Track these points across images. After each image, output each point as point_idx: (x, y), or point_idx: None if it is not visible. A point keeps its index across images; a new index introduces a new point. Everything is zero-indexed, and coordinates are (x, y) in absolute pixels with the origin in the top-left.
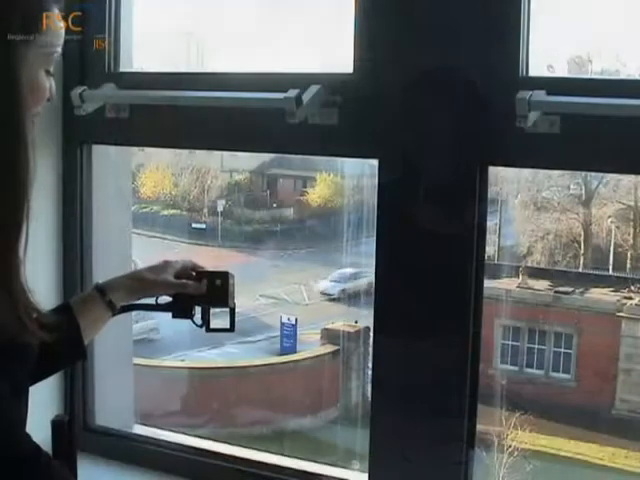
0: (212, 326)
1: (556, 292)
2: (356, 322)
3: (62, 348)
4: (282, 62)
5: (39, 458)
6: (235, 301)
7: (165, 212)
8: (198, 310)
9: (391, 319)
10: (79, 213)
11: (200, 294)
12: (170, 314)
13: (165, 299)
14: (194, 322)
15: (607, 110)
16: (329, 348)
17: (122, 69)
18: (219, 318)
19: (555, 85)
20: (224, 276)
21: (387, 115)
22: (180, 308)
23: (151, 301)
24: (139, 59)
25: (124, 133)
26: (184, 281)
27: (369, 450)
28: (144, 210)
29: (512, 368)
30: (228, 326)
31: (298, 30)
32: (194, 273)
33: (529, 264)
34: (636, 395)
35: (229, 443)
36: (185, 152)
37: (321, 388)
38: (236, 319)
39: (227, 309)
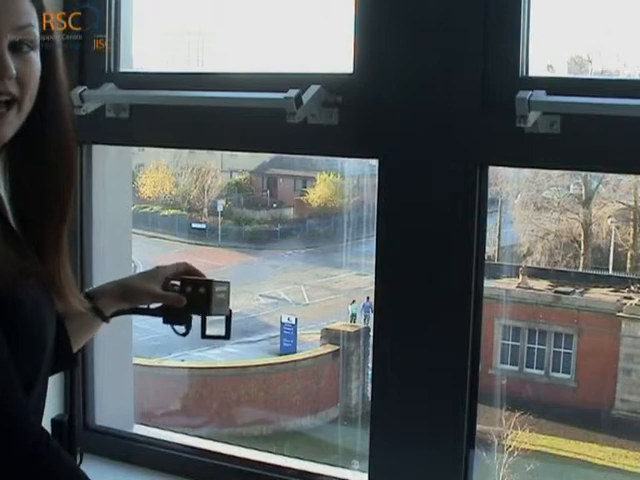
0: (208, 333)
1: (556, 292)
2: None
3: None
4: (282, 62)
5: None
6: (230, 308)
7: (165, 212)
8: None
9: (391, 319)
10: (79, 213)
11: (180, 306)
12: (161, 319)
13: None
14: (175, 330)
15: (607, 110)
16: (329, 348)
17: (122, 69)
18: (216, 326)
19: (555, 85)
20: (208, 284)
21: (387, 115)
22: (171, 313)
23: (144, 305)
24: (139, 59)
25: (124, 133)
26: (166, 293)
27: (369, 450)
28: (144, 210)
29: (512, 368)
30: (224, 333)
31: (298, 30)
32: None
33: (529, 264)
34: (636, 395)
35: (229, 443)
36: (185, 152)
37: (321, 388)
38: (236, 319)
39: (223, 316)
